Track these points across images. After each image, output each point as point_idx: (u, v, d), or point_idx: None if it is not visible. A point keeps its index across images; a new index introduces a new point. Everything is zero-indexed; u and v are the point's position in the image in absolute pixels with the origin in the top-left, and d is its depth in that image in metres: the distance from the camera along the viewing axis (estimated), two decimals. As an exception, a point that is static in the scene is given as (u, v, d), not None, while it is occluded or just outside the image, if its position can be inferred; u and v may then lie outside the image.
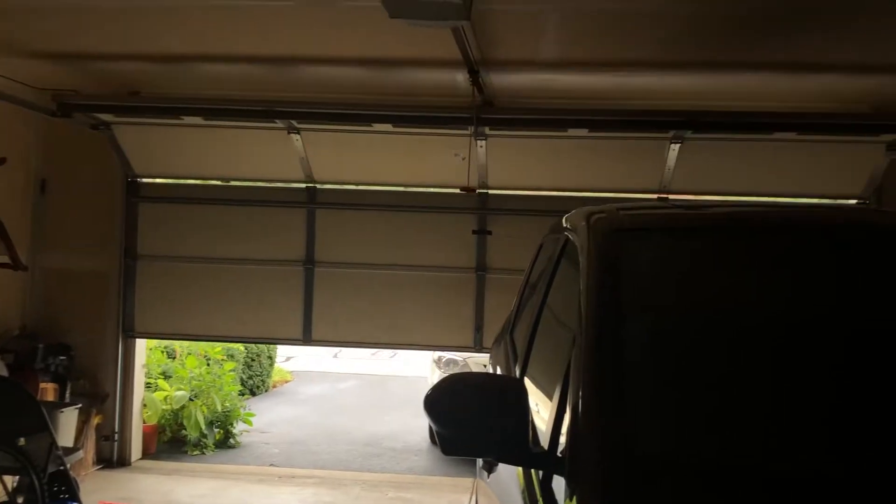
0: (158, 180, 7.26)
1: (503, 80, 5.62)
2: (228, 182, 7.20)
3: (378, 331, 7.10)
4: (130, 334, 7.22)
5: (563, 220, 3.05)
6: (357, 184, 7.19)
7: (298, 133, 6.49)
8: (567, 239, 2.79)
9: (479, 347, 7.04)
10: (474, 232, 6.81)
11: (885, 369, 2.04)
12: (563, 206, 6.61)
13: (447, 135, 6.25)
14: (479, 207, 6.92)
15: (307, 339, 7.17)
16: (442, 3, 2.65)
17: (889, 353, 2.15)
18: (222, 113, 5.99)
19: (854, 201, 6.74)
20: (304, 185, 7.05)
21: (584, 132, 5.93)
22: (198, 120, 6.04)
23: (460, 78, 5.22)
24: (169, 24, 4.81)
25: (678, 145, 6.35)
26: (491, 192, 6.91)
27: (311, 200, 7.06)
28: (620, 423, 1.72)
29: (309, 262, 7.08)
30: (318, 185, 7.07)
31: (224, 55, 5.31)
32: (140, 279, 7.19)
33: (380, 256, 7.02)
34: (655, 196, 6.75)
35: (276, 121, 6.18)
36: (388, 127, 6.19)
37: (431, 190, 7.00)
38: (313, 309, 7.08)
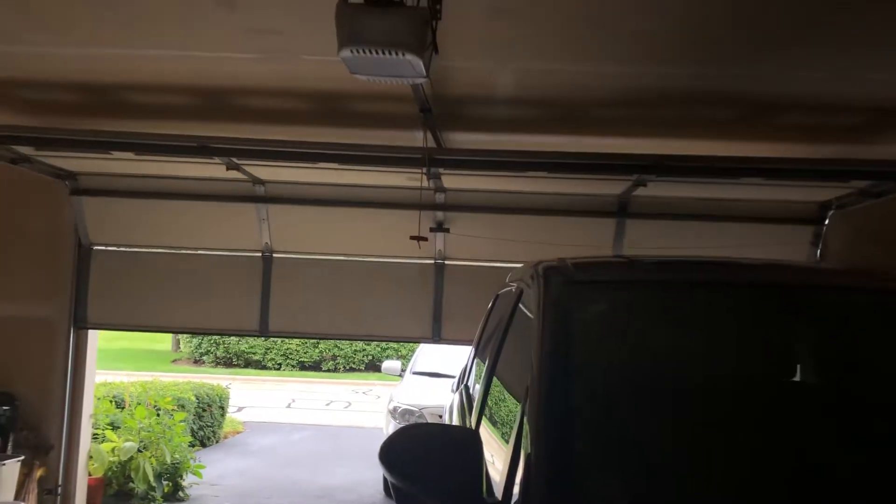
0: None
1: (457, 137, 5.68)
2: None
3: (336, 322, 7.06)
4: (83, 325, 7.04)
5: (518, 272, 3.11)
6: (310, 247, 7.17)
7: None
8: (521, 290, 2.85)
9: (437, 339, 7.04)
10: (432, 229, 6.74)
11: (830, 425, 2.11)
12: (517, 202, 6.64)
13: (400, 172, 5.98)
14: (437, 205, 6.83)
15: (264, 330, 7.08)
16: (403, 61, 2.73)
17: (835, 409, 2.23)
18: (154, 148, 5.64)
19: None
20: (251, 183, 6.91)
21: (542, 174, 5.79)
22: (129, 155, 5.72)
23: (413, 114, 4.99)
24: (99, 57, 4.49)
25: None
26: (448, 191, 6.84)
27: (265, 199, 6.96)
28: (570, 474, 1.76)
29: (266, 251, 7.01)
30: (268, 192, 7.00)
31: (157, 85, 5.01)
32: (93, 272, 7.02)
33: (337, 247, 6.98)
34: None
35: (215, 157, 5.79)
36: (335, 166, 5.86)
37: (386, 185, 6.72)
38: (270, 300, 7.00)
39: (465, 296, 6.89)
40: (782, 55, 3.92)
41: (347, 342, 22.24)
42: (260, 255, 7.04)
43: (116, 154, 5.64)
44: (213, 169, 6.10)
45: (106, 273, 7.06)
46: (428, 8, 2.76)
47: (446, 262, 7.00)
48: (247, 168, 6.15)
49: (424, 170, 5.55)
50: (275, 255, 7.04)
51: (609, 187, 6.33)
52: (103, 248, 7.08)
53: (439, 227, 6.84)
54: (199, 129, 5.58)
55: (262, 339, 22.26)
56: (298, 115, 5.49)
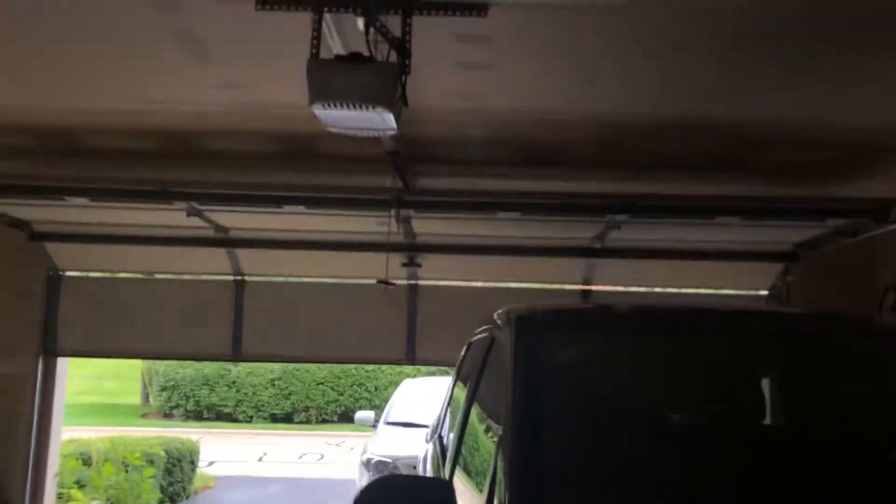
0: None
1: (427, 182, 5.59)
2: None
3: (309, 345, 6.99)
4: (54, 352, 6.92)
5: (490, 319, 3.13)
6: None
7: None
8: (493, 338, 2.87)
9: (412, 360, 7.00)
10: (404, 264, 6.69)
11: (798, 467, 2.14)
12: (488, 242, 6.58)
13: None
14: (406, 246, 6.66)
15: (236, 354, 6.99)
16: (374, 115, 2.79)
17: (803, 450, 2.27)
18: (111, 193, 5.38)
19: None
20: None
21: (515, 216, 5.71)
22: (84, 202, 5.49)
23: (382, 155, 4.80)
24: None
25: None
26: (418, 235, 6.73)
27: (231, 242, 6.81)
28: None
29: (237, 275, 6.95)
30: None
31: (114, 129, 4.80)
32: (64, 301, 6.93)
33: (308, 271, 6.94)
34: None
35: (175, 203, 5.56)
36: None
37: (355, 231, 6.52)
38: (243, 324, 6.94)
39: (439, 317, 6.88)
40: (758, 89, 3.89)
41: (320, 392, 21.99)
42: (231, 279, 6.98)
43: (71, 200, 5.45)
44: (173, 216, 5.91)
45: (75, 300, 6.96)
46: (398, 63, 2.82)
47: (419, 283, 6.95)
48: (209, 215, 6.01)
49: (393, 212, 5.44)
50: (246, 279, 7.00)
51: (582, 230, 6.33)
52: (73, 274, 6.99)
53: (411, 262, 6.78)
54: (159, 174, 5.36)
55: (232, 389, 21.98)
56: (263, 158, 5.31)
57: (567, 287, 6.96)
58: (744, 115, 4.21)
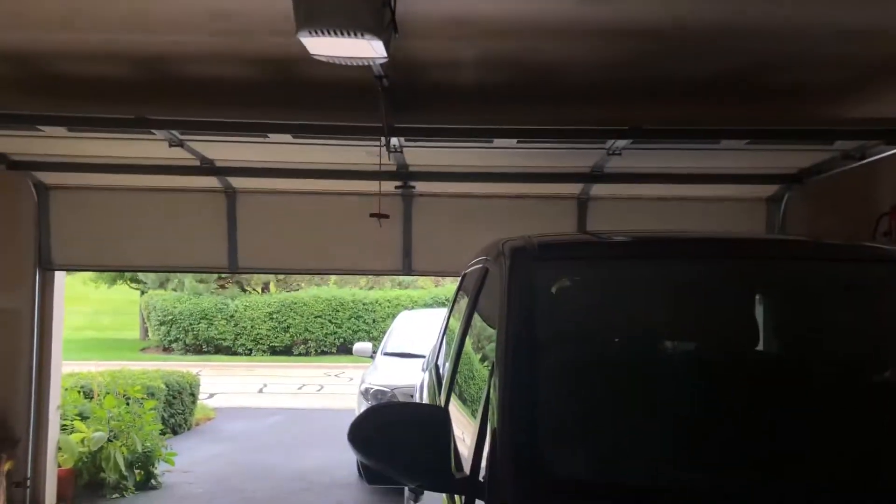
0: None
1: (419, 109, 5.25)
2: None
3: (304, 258, 7.04)
4: (49, 266, 6.94)
5: (483, 250, 3.13)
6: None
7: None
8: (487, 269, 2.87)
9: (408, 271, 7.03)
10: (397, 187, 6.65)
11: (793, 393, 2.17)
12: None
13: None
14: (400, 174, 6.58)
15: (233, 266, 7.05)
16: (362, 43, 2.73)
17: (798, 377, 2.29)
18: (88, 122, 5.23)
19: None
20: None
21: (512, 143, 5.52)
22: (62, 131, 5.36)
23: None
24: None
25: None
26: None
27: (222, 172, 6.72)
28: (536, 447, 1.79)
29: (228, 189, 6.90)
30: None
31: (93, 54, 4.54)
32: (56, 212, 6.89)
33: (301, 184, 6.84)
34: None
35: (154, 131, 5.31)
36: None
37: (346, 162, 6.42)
38: (238, 237, 6.95)
39: (434, 230, 6.86)
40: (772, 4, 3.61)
41: (318, 325, 22.20)
42: (223, 192, 6.91)
43: (49, 130, 5.32)
44: (156, 149, 5.74)
45: (67, 215, 6.91)
46: (386, -13, 2.75)
47: (414, 195, 6.86)
48: (193, 146, 5.84)
49: (383, 140, 5.21)
50: (238, 191, 6.95)
51: (579, 159, 6.17)
52: (63, 190, 6.90)
53: (405, 186, 6.71)
54: (137, 108, 5.15)
55: (230, 323, 22.15)
56: (245, 87, 5.03)
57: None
58: (775, 23, 3.84)
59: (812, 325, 2.47)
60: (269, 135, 5.40)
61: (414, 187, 6.78)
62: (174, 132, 5.35)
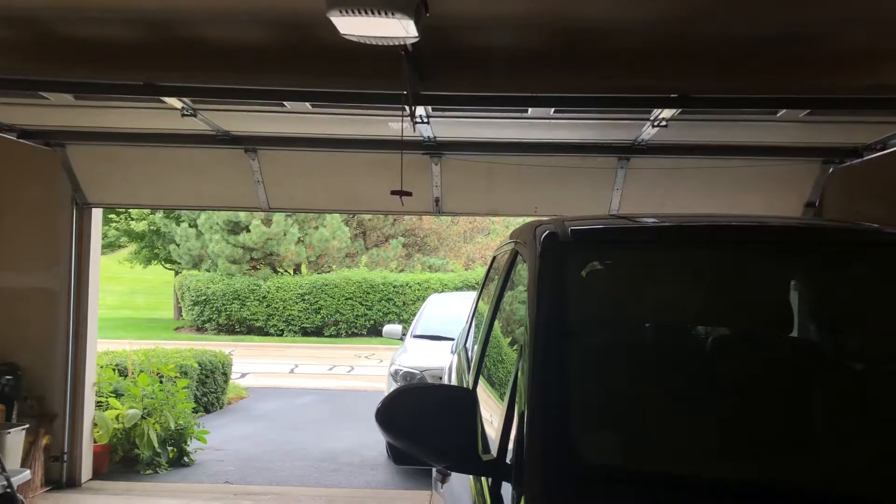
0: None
1: (447, 76, 4.88)
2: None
3: (336, 199, 7.24)
4: (85, 205, 7.08)
5: (515, 233, 3.11)
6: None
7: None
8: (518, 252, 2.85)
9: (439, 212, 7.12)
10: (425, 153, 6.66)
11: (828, 380, 2.12)
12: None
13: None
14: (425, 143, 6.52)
15: (264, 205, 7.20)
16: (392, 21, 2.70)
17: (833, 363, 2.24)
18: (95, 89, 4.99)
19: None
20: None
21: (549, 112, 5.21)
22: (68, 99, 5.19)
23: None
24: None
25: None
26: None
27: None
28: (564, 431, 1.78)
29: (250, 148, 6.86)
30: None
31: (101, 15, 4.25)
32: (93, 153, 6.96)
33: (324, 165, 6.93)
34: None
35: (164, 99, 5.08)
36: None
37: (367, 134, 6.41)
38: (265, 182, 7.04)
39: (463, 183, 6.91)
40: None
41: (349, 307, 22.36)
42: (243, 149, 6.87)
43: (54, 98, 5.15)
44: (169, 120, 5.58)
45: (97, 163, 7.01)
46: (418, -35, 2.71)
47: (443, 155, 6.80)
48: (207, 115, 5.68)
49: (408, 109, 4.83)
50: (259, 150, 6.93)
51: (620, 132, 5.92)
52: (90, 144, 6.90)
53: (433, 153, 6.67)
54: (147, 75, 4.87)
55: (263, 304, 22.37)
56: (261, 53, 4.70)
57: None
58: None
59: (853, 315, 2.41)
60: (287, 104, 5.17)
61: (441, 154, 6.72)
62: (186, 100, 5.16)
